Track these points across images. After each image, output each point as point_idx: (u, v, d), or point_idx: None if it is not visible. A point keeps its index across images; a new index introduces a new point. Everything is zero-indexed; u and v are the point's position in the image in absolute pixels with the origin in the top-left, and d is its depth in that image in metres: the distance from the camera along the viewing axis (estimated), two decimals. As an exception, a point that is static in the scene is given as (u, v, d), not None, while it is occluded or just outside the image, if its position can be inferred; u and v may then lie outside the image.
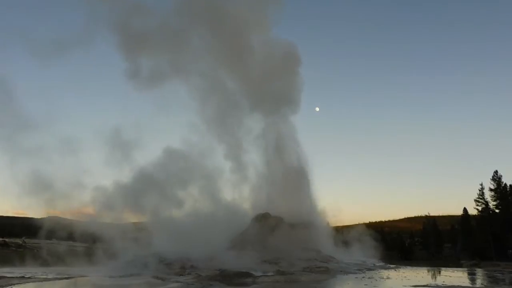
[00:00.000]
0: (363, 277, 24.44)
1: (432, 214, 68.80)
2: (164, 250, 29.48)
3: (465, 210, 55.84)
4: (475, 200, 49.60)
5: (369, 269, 30.26)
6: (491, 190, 48.84)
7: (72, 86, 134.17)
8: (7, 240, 56.04)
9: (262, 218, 34.23)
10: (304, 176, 39.37)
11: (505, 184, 48.35)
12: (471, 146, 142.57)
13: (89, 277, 25.68)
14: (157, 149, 40.83)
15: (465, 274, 29.87)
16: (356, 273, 27.47)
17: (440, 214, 79.15)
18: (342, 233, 41.89)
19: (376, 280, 23.19)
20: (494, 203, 48.76)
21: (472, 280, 26.34)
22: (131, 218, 35.27)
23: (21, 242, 57.68)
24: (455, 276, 27.50)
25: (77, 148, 40.69)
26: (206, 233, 30.95)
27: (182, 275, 25.06)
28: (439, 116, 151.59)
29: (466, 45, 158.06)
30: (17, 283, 21.10)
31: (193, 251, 29.25)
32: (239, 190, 39.16)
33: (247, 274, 24.42)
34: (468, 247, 52.13)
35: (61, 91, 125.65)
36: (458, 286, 20.30)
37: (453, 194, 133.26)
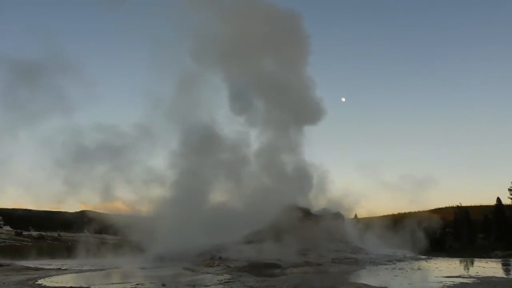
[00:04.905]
0: (393, 268, 24.14)
1: (463, 204, 67.06)
2: (193, 242, 29.99)
3: (498, 199, 54.28)
4: (509, 189, 48.23)
5: (400, 260, 29.90)
6: (525, 178, 47.27)
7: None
8: (43, 233, 58.39)
9: (289, 210, 34.19)
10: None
11: (541, 172, 46.73)
12: (503, 134, 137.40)
13: (122, 268, 26.47)
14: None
15: (499, 265, 29.04)
16: (386, 264, 27.17)
17: (472, 204, 76.68)
18: (371, 224, 41.37)
19: (407, 271, 22.86)
20: (529, 191, 47.18)
21: (507, 271, 25.57)
22: (162, 210, 35.74)
23: (56, 235, 60.04)
24: (489, 267, 26.80)
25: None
26: (234, 225, 31.26)
27: (212, 266, 25.51)
28: (471, 104, 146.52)
29: (507, 32, 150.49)
30: (55, 274, 22.00)
31: (222, 244, 29.64)
32: (264, 182, 38.79)
33: (276, 266, 24.57)
34: (502, 238, 50.66)
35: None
36: (492, 277, 19.76)
37: (485, 184, 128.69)
